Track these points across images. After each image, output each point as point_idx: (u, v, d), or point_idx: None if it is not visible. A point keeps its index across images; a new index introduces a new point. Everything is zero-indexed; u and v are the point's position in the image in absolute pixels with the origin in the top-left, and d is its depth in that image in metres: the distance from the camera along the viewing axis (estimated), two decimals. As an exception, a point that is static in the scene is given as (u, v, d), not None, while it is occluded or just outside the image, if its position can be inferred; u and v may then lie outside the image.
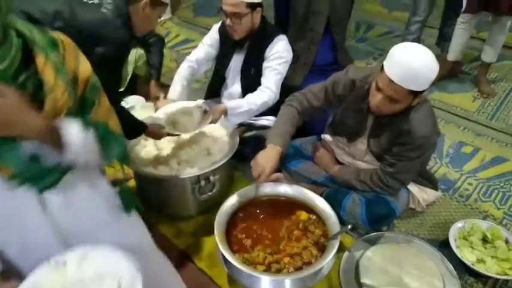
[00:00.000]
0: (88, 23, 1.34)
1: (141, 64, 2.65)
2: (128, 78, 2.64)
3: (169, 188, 1.86)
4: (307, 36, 2.46)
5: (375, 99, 1.56)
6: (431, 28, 3.30)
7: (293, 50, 2.21)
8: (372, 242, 1.80)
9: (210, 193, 1.87)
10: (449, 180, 2.20)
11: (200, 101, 2.07)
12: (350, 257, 1.75)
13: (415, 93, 1.50)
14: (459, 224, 1.85)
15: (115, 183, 1.20)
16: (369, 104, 1.62)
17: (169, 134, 1.89)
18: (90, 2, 1.43)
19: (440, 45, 3.15)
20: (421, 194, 1.92)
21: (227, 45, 2.13)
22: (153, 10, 1.55)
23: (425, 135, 1.61)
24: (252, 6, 1.92)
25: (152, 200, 1.93)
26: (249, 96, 2.06)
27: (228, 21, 1.97)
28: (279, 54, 2.08)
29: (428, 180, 1.93)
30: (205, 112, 1.91)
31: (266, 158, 1.68)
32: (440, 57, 3.02)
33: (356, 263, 1.71)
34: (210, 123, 1.91)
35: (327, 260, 1.55)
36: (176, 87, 2.13)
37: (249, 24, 1.99)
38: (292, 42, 2.30)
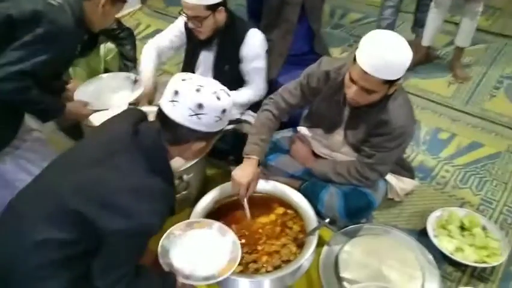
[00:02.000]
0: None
1: (110, 59, 2.54)
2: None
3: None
4: (282, 26, 2.40)
5: (350, 91, 1.52)
6: (407, 13, 3.28)
7: (267, 40, 2.15)
8: (351, 235, 1.78)
9: (184, 192, 1.81)
10: (426, 168, 2.19)
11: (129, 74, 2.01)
12: (329, 252, 1.72)
13: (390, 82, 1.46)
14: (437, 213, 1.84)
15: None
16: (345, 96, 1.58)
17: (95, 111, 1.75)
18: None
19: (415, 30, 3.13)
20: (398, 183, 1.90)
21: (194, 42, 2.05)
22: (113, 7, 1.47)
23: (404, 124, 1.59)
24: (212, 8, 1.84)
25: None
26: (237, 93, 2.03)
27: (189, 24, 1.91)
28: (256, 52, 2.03)
29: (405, 169, 1.92)
30: (135, 82, 1.82)
31: (241, 172, 1.66)
32: (415, 43, 3.01)
33: (335, 258, 1.68)
34: None
35: (306, 257, 1.53)
36: (148, 64, 2.07)
37: (212, 25, 1.91)
38: (266, 32, 2.23)
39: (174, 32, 2.11)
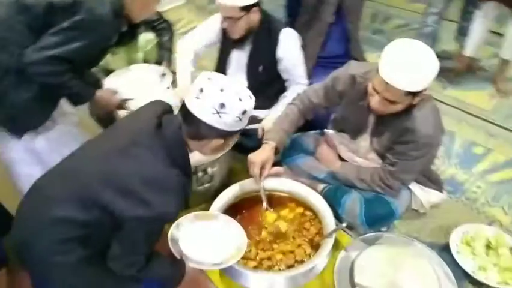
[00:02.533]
0: None
1: (150, 49, 2.62)
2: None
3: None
4: (316, 26, 2.39)
5: (373, 100, 1.50)
6: (451, 22, 3.17)
7: (302, 39, 2.16)
8: (369, 243, 1.76)
9: (207, 185, 1.85)
10: (456, 182, 2.12)
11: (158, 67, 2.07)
12: (345, 257, 1.71)
13: (414, 93, 1.43)
14: (462, 228, 1.78)
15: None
16: (369, 103, 1.56)
17: (124, 100, 1.82)
18: None
19: (458, 39, 3.02)
20: (424, 195, 1.85)
21: (227, 40, 2.07)
22: None
23: (429, 133, 1.55)
24: (246, 9, 1.86)
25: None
26: (286, 97, 2.08)
27: (223, 24, 1.94)
28: (292, 51, 2.05)
29: (433, 181, 1.86)
30: (163, 75, 1.88)
31: (256, 154, 1.70)
32: (457, 53, 2.92)
33: (352, 263, 1.67)
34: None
35: (320, 259, 1.53)
36: (184, 73, 2.09)
37: (246, 25, 1.93)
38: (301, 32, 2.24)
39: (210, 29, 2.14)
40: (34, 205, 1.15)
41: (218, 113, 1.11)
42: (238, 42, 2.04)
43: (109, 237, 1.13)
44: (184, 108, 1.16)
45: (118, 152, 1.12)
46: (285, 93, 2.14)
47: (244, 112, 1.16)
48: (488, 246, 1.72)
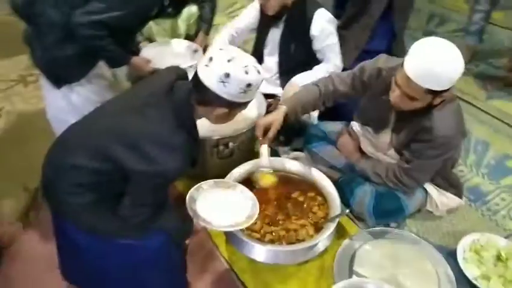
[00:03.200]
0: None
1: (192, 23, 2.73)
2: (183, 37, 2.74)
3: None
4: (363, 20, 2.39)
5: (394, 94, 1.51)
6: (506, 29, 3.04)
7: (346, 31, 2.19)
8: (376, 236, 1.78)
9: (227, 159, 1.94)
10: (480, 191, 2.07)
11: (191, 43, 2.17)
12: (349, 245, 1.74)
13: (435, 93, 1.43)
14: (474, 236, 1.75)
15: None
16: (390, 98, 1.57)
17: (155, 69, 1.90)
18: None
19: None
20: (440, 197, 1.83)
21: (265, 19, 2.14)
22: None
23: (447, 134, 1.54)
24: None
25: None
26: (318, 68, 2.13)
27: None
28: (327, 30, 2.08)
29: (452, 185, 1.84)
30: (195, 51, 1.98)
31: (265, 116, 1.76)
32: (508, 61, 2.80)
33: (354, 252, 1.71)
34: None
35: (321, 239, 1.58)
36: None
37: (280, 1, 1.99)
38: (347, 23, 2.26)
39: (250, 12, 2.22)
40: (57, 151, 1.31)
41: (223, 82, 1.19)
42: (274, 20, 2.10)
43: (118, 186, 1.25)
44: (195, 74, 1.25)
45: (130, 111, 1.23)
46: (317, 66, 2.15)
47: (249, 85, 1.22)
48: (498, 258, 1.68)
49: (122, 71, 2.07)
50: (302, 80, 2.06)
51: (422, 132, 1.57)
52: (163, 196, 1.34)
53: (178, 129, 1.21)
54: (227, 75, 1.18)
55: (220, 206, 1.53)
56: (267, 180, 1.79)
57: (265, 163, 1.77)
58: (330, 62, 2.14)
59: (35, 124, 2.37)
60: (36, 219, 1.88)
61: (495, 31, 3.38)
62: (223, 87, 1.20)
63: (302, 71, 2.16)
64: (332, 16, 2.11)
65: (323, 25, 2.06)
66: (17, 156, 2.19)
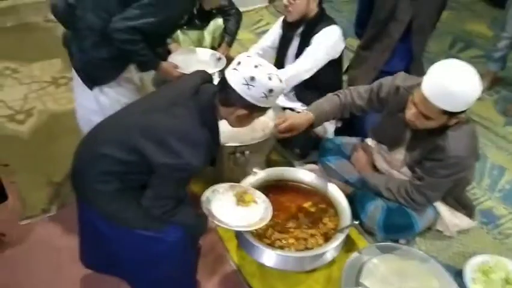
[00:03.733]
0: None
1: (217, 36, 2.84)
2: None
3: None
4: (383, 41, 2.45)
5: (410, 112, 1.56)
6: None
7: (366, 51, 2.23)
8: (385, 251, 1.80)
9: (243, 166, 2.00)
10: (493, 215, 2.07)
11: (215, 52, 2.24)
12: (357, 258, 1.76)
13: (450, 114, 1.47)
14: (483, 257, 1.76)
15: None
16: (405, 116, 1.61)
17: (182, 74, 1.97)
18: None
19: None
20: (451, 218, 1.85)
21: (286, 34, 2.23)
22: None
23: (459, 154, 1.57)
24: None
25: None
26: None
27: (285, 1, 2.11)
28: (325, 37, 2.13)
29: (462, 205, 1.86)
30: (219, 59, 2.08)
31: (295, 116, 1.80)
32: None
33: (361, 265, 1.73)
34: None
35: (330, 248, 1.62)
36: None
37: (303, 8, 2.08)
38: (367, 44, 2.32)
39: (274, 30, 2.32)
40: (88, 143, 1.41)
41: (247, 84, 1.27)
42: (292, 29, 2.19)
43: (143, 178, 1.35)
44: (223, 77, 1.35)
45: (158, 109, 1.33)
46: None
47: (271, 91, 1.30)
48: (506, 281, 1.68)
49: (148, 76, 2.18)
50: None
51: (435, 151, 1.60)
52: (183, 191, 1.42)
53: (202, 128, 1.30)
54: (252, 78, 1.27)
55: (234, 207, 1.61)
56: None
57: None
58: (300, 61, 2.16)
59: (63, 123, 2.51)
60: (59, 212, 1.98)
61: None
62: (247, 89, 1.29)
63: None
64: (340, 34, 2.16)
65: (325, 32, 2.13)
66: (45, 152, 2.32)
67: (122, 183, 1.34)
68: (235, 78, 1.30)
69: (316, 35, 2.13)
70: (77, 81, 1.88)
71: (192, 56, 2.25)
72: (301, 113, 1.85)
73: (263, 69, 1.30)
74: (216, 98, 1.36)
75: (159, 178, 1.33)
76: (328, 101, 1.88)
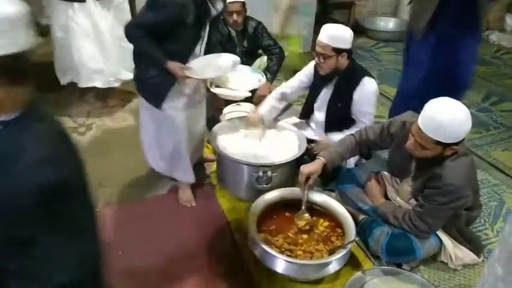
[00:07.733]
0: None
1: (262, 70, 3.14)
2: None
3: (233, 168, 2.25)
4: None
5: (409, 142, 1.75)
6: None
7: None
8: (387, 274, 1.92)
9: (266, 185, 2.21)
10: (502, 255, 2.12)
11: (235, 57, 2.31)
12: (359, 278, 1.90)
13: (444, 145, 1.64)
14: (483, 291, 1.82)
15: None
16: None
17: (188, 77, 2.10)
18: None
19: None
20: (455, 250, 1.95)
21: (319, 79, 2.46)
22: None
23: (454, 183, 1.72)
24: (337, 51, 2.25)
25: (223, 177, 2.38)
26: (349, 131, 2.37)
27: (316, 59, 2.35)
28: (366, 97, 2.34)
29: (467, 240, 1.95)
30: (234, 65, 2.24)
31: (307, 165, 2.03)
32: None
33: (363, 284, 1.86)
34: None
35: (332, 259, 1.78)
36: (266, 105, 2.55)
37: (334, 64, 2.29)
38: None
39: (305, 72, 2.57)
40: None
41: None
42: (326, 80, 2.42)
43: None
44: None
45: None
46: (348, 130, 2.39)
47: None
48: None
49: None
50: (334, 137, 2.38)
51: (434, 179, 1.76)
52: None
53: None
54: None
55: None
56: (302, 221, 2.02)
57: (304, 205, 2.04)
58: (360, 122, 2.39)
59: (116, 139, 2.87)
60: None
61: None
62: None
63: (344, 126, 2.45)
64: (376, 86, 2.37)
65: (364, 92, 2.33)
66: (96, 163, 2.61)
67: None
68: None
69: (356, 93, 2.33)
70: (143, 100, 2.18)
71: (212, 59, 2.24)
72: (315, 160, 2.07)
73: None
74: None
75: None
76: (342, 142, 2.11)
